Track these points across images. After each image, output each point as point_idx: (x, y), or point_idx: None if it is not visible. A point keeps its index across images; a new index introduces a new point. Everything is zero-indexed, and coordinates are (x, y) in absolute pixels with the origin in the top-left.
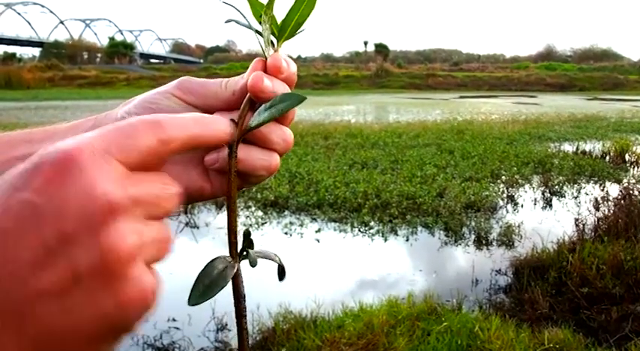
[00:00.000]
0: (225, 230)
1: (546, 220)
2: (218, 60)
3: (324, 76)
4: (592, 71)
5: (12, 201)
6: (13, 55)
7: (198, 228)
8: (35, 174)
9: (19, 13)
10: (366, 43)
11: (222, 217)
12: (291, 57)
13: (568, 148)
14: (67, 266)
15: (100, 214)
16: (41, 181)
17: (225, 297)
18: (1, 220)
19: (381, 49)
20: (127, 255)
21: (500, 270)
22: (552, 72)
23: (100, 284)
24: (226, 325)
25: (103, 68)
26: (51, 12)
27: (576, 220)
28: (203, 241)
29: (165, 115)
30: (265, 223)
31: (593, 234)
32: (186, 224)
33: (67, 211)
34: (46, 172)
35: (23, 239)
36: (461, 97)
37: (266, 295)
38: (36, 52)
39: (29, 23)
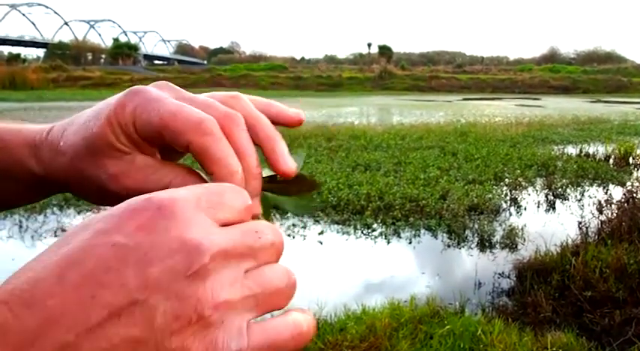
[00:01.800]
0: None
1: (550, 223)
2: (222, 61)
3: (327, 77)
4: (596, 74)
5: (96, 241)
6: (18, 55)
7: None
8: (124, 219)
9: (23, 14)
10: (369, 45)
11: None
12: (294, 58)
13: (571, 150)
14: (142, 314)
15: (189, 261)
16: (133, 226)
17: None
18: (83, 260)
19: (384, 50)
20: (213, 306)
21: (503, 273)
22: (556, 74)
23: (177, 334)
24: None
25: (107, 69)
26: (55, 13)
27: (579, 223)
28: None
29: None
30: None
31: (596, 237)
32: None
33: (154, 256)
34: (138, 217)
35: (102, 280)
36: (464, 99)
37: None
38: (40, 52)
39: (34, 24)
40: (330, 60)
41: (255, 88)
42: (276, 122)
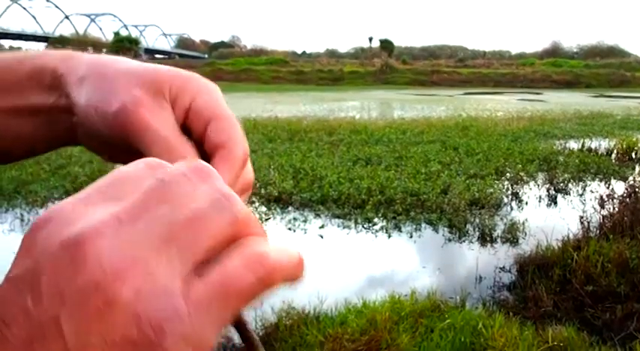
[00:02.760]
0: None
1: (551, 218)
2: (223, 55)
3: (328, 72)
4: (598, 68)
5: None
6: (19, 49)
7: None
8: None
9: (24, 8)
10: (370, 39)
11: None
12: (295, 52)
13: (573, 145)
14: None
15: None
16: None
17: None
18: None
19: (385, 45)
20: None
21: (504, 267)
22: (558, 69)
23: None
24: None
25: None
26: (56, 7)
27: (581, 217)
28: None
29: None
30: (269, 218)
31: (598, 232)
32: None
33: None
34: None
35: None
36: (466, 93)
37: (269, 291)
38: (41, 46)
39: (34, 18)
40: (332, 54)
41: (257, 83)
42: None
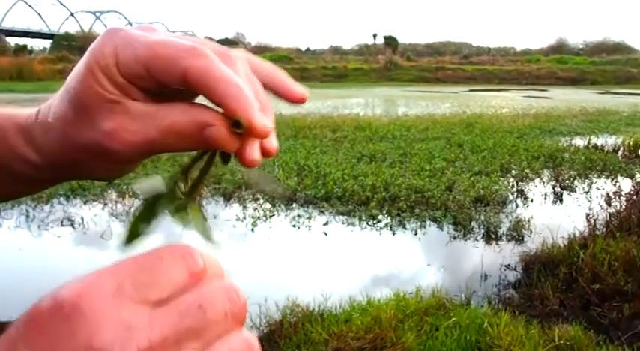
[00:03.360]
0: (234, 222)
1: (557, 215)
2: None
3: (332, 68)
4: (604, 65)
5: None
6: (24, 46)
7: (206, 220)
8: (28, 326)
9: (30, 5)
10: (375, 36)
11: (231, 209)
12: (299, 49)
13: (579, 142)
14: None
15: None
16: (34, 334)
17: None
18: None
19: (390, 41)
20: None
21: (509, 265)
22: (564, 65)
23: None
24: None
25: None
26: (61, 4)
27: (587, 215)
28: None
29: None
30: (273, 215)
31: (604, 229)
32: None
33: None
34: (39, 322)
35: None
36: (470, 90)
37: (273, 288)
38: (47, 44)
39: (40, 15)
40: (336, 51)
41: None
42: (277, 93)
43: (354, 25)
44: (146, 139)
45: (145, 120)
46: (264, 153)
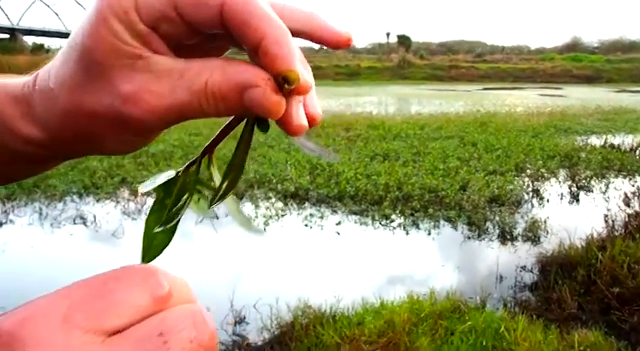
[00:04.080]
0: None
1: (574, 216)
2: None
3: (345, 67)
4: (620, 63)
5: None
6: (42, 46)
7: (217, 218)
8: None
9: (47, 5)
10: (388, 35)
11: (243, 208)
12: (313, 48)
13: (595, 141)
14: None
15: None
16: None
17: (243, 291)
18: None
19: (403, 40)
20: None
21: (525, 267)
22: (578, 63)
23: None
24: (244, 318)
25: None
26: (78, 4)
27: (605, 216)
28: (223, 233)
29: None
30: (285, 214)
31: (623, 231)
32: None
33: None
34: None
35: None
36: (484, 88)
37: (285, 288)
38: (64, 43)
39: (57, 15)
40: (349, 49)
41: None
42: (316, 39)
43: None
44: (174, 102)
45: (173, 79)
46: (309, 120)
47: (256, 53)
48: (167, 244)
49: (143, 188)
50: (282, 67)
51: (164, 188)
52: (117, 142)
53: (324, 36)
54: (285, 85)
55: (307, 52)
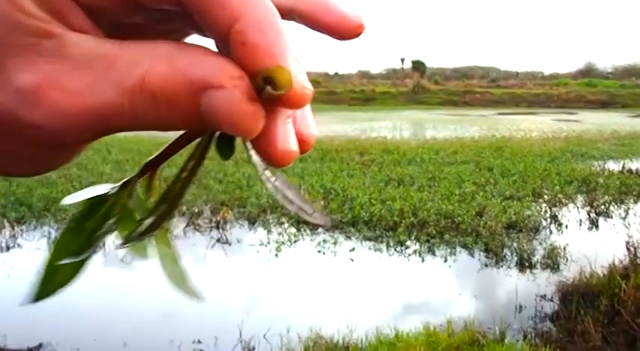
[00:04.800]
0: (258, 247)
1: (594, 242)
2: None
3: (360, 92)
4: (634, 88)
5: None
6: None
7: (229, 244)
8: None
9: None
10: (402, 60)
11: (255, 233)
12: (328, 73)
13: (613, 166)
14: None
15: None
16: None
17: (253, 319)
18: None
19: (417, 65)
20: None
21: (545, 295)
22: (593, 89)
23: None
24: (253, 349)
25: None
26: None
27: (627, 243)
28: (234, 258)
29: None
30: (298, 240)
31: None
32: (218, 240)
33: None
34: None
35: None
36: (499, 113)
37: (296, 317)
38: None
39: None
40: (364, 75)
41: None
42: (316, 22)
43: (382, 50)
44: (95, 104)
45: (97, 70)
46: (300, 143)
47: (227, 42)
48: (70, 281)
49: (67, 200)
50: (264, 61)
51: (88, 207)
52: (18, 160)
53: (327, 19)
54: (268, 88)
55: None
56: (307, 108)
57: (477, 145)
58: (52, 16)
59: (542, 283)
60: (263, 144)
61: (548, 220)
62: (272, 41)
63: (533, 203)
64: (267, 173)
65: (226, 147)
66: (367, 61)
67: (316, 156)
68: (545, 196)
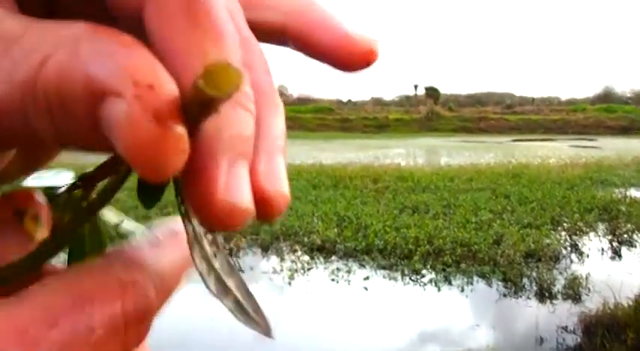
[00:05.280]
0: (271, 274)
1: (617, 272)
2: None
3: (373, 119)
4: None
5: None
6: None
7: (242, 272)
8: None
9: None
10: (416, 87)
11: (268, 260)
12: (341, 100)
13: (635, 193)
14: None
15: None
16: None
17: (266, 347)
18: None
19: (431, 92)
20: None
21: (567, 327)
22: (612, 114)
23: None
24: None
25: None
26: None
27: None
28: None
29: None
30: (311, 268)
31: None
32: None
33: None
34: None
35: None
36: (515, 140)
37: (309, 346)
38: None
39: None
40: (377, 102)
41: (302, 130)
42: (314, 46)
43: (395, 76)
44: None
45: None
46: (261, 201)
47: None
48: None
49: (28, 182)
50: (193, 50)
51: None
52: None
53: (327, 41)
54: (199, 82)
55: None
56: (276, 155)
57: (492, 172)
58: None
59: (563, 314)
60: (194, 191)
61: (569, 248)
62: (203, 20)
63: (553, 231)
64: (205, 240)
65: (148, 189)
66: (380, 88)
67: (330, 183)
68: (565, 224)
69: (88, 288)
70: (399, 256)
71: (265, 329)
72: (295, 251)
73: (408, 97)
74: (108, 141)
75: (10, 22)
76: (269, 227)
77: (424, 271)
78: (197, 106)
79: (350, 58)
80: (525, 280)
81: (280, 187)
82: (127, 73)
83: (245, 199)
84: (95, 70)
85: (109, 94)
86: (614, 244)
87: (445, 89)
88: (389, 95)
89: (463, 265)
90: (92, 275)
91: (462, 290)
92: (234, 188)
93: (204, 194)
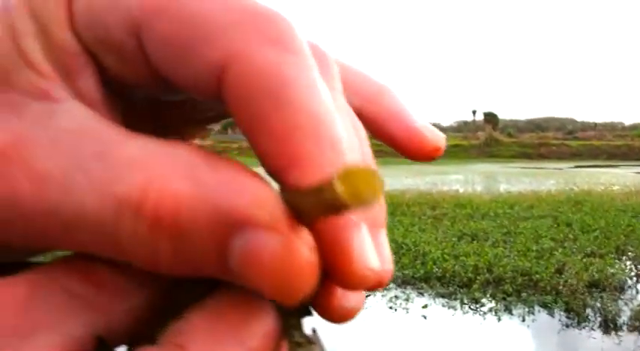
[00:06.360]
0: None
1: None
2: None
3: None
4: None
5: None
6: None
7: None
8: None
9: None
10: (474, 112)
11: None
12: None
13: None
14: None
15: None
16: None
17: None
18: None
19: (489, 117)
20: None
21: None
22: None
23: None
24: None
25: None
26: None
27: None
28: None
29: None
30: (369, 295)
31: None
32: None
33: None
34: None
35: None
36: (576, 166)
37: None
38: None
39: None
40: (435, 127)
41: None
42: (386, 135)
43: (453, 102)
44: (62, 203)
45: (81, 155)
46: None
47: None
48: None
49: None
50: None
51: None
52: None
53: (398, 132)
54: (339, 189)
55: None
56: (380, 228)
57: (554, 199)
58: (58, 73)
59: (629, 347)
60: (321, 302)
61: (634, 278)
62: (327, 148)
63: (617, 261)
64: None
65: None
66: (438, 114)
67: (387, 210)
68: (630, 253)
69: None
70: (458, 285)
71: None
72: None
73: (466, 123)
74: (203, 270)
75: (107, 127)
76: None
77: (484, 300)
78: (319, 210)
79: (418, 152)
80: (589, 311)
81: (385, 265)
82: (268, 204)
83: (375, 263)
84: (227, 202)
85: (251, 226)
86: None
87: (504, 114)
88: (447, 121)
89: (524, 295)
90: None
91: (523, 320)
92: (366, 252)
93: (331, 303)
